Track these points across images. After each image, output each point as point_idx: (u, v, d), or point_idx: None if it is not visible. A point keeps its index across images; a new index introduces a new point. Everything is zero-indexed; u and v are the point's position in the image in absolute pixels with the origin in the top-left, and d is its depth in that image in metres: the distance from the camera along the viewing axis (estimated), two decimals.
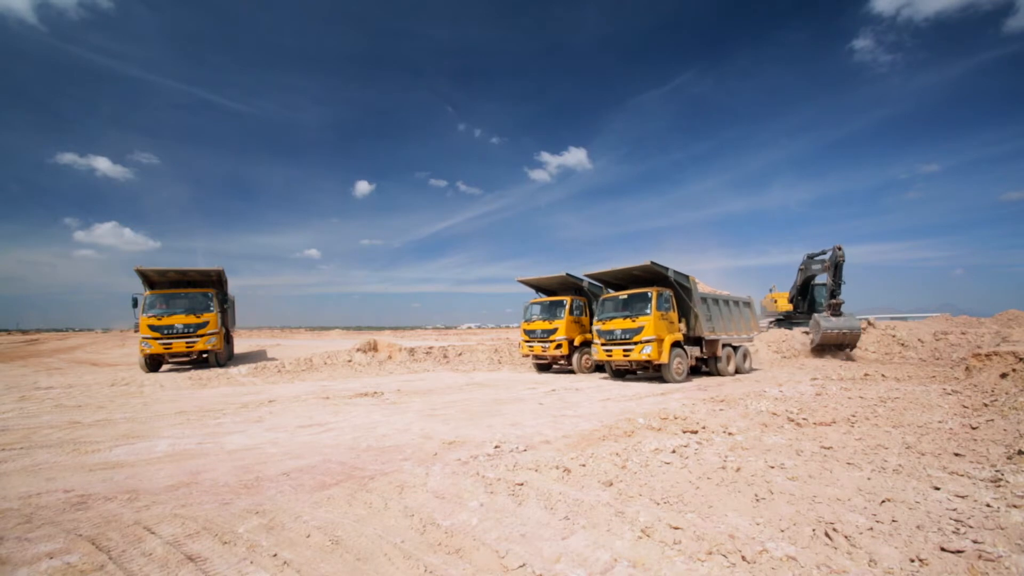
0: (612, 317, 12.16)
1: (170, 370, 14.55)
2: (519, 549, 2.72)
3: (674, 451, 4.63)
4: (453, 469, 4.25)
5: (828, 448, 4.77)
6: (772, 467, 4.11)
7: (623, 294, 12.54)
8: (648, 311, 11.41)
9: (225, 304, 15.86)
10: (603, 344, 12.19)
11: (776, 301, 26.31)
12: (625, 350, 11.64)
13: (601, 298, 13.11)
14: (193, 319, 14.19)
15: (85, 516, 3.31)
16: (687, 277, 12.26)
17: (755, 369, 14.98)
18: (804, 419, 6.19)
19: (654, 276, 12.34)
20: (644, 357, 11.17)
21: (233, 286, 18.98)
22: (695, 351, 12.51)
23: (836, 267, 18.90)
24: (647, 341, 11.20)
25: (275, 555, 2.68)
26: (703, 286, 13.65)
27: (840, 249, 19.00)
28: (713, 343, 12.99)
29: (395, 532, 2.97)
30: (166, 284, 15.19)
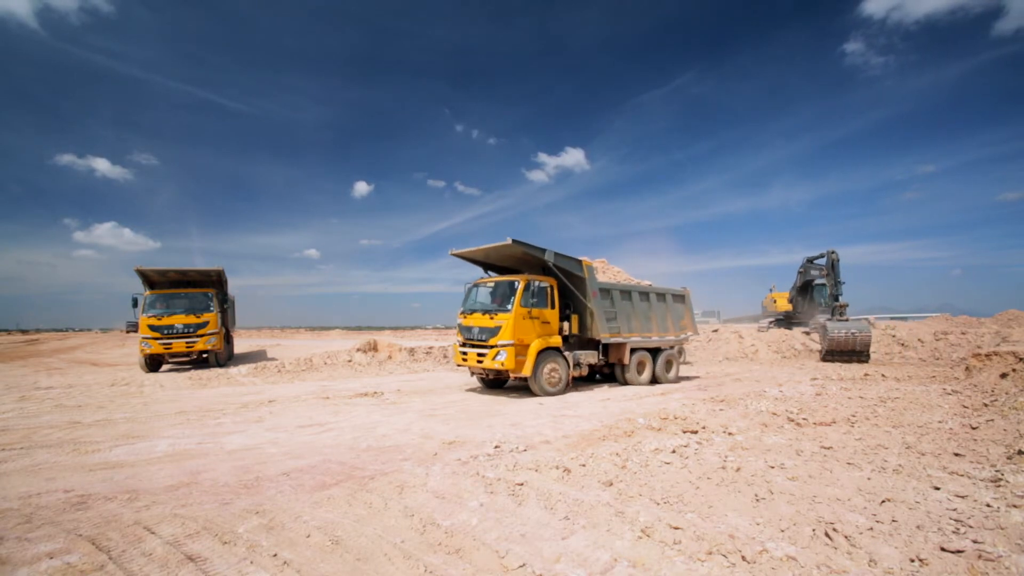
0: (474, 310, 9.67)
1: (170, 370, 14.55)
2: (519, 549, 2.72)
3: (674, 451, 4.63)
4: (453, 469, 4.25)
5: (828, 448, 4.77)
6: (772, 467, 4.11)
7: (490, 282, 10.03)
8: (509, 307, 8.86)
9: (225, 304, 15.87)
10: (461, 344, 9.73)
11: (776, 301, 26.44)
12: (479, 354, 9.13)
13: (470, 284, 10.36)
14: (193, 319, 14.21)
15: (85, 516, 3.31)
16: (578, 263, 9.61)
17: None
18: (804, 419, 6.19)
19: (537, 260, 9.51)
20: (497, 365, 8.73)
21: (233, 286, 19.03)
22: (589, 357, 9.92)
23: (832, 268, 18.91)
24: (503, 346, 8.68)
25: (275, 555, 2.68)
26: (618, 273, 11.39)
27: (833, 252, 19.05)
28: (618, 347, 10.40)
29: (395, 532, 2.97)
30: (166, 284, 15.21)
